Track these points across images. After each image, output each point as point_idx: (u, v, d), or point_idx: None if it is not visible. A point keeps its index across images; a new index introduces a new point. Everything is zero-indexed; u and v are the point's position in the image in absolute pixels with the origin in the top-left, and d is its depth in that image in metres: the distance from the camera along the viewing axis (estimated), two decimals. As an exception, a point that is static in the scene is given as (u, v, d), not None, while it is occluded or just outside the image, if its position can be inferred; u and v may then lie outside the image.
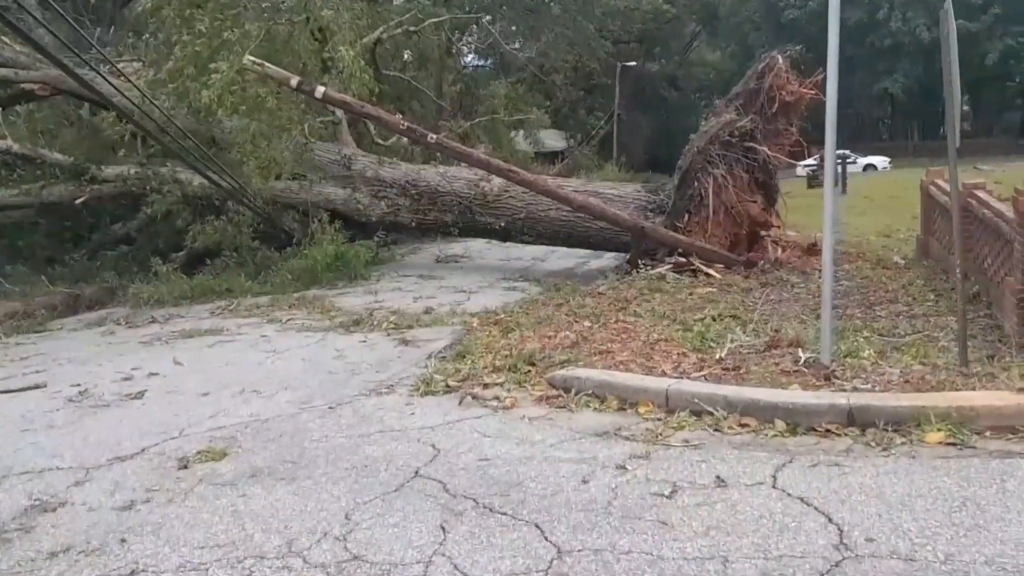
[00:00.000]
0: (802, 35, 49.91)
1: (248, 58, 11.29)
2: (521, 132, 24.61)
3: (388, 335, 8.55)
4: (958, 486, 4.03)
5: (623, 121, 43.93)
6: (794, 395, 5.16)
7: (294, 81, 11.07)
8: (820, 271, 11.11)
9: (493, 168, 11.25)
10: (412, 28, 18.05)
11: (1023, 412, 4.57)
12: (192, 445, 5.48)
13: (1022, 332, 6.91)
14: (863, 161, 47.14)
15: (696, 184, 11.51)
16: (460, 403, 6.02)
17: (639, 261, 11.44)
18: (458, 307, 10.07)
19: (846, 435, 4.81)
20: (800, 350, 6.15)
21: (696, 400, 5.33)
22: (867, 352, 6.10)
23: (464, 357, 7.18)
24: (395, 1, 21.59)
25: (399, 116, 11.72)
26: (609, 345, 7.03)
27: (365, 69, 12.51)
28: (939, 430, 4.60)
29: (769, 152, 11.59)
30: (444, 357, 7.36)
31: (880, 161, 49.64)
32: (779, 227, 12.81)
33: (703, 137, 11.66)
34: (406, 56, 20.97)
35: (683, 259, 10.96)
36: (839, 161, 27.91)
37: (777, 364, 5.90)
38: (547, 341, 7.43)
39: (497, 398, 6.03)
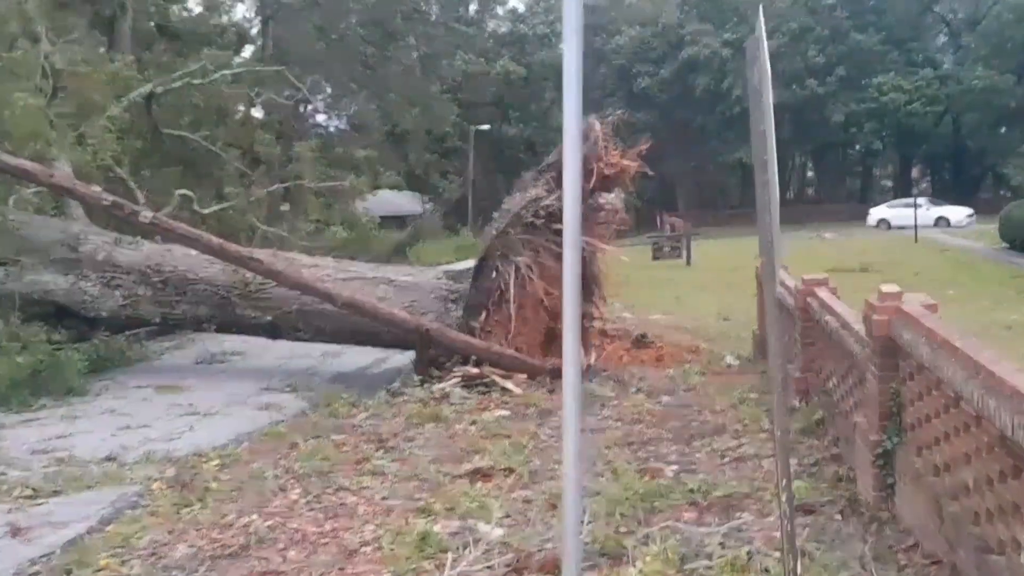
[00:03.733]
0: (654, 104, 49.87)
1: None
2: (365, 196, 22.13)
3: (9, 512, 5.81)
4: None
5: (477, 185, 42.43)
6: None
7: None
8: (640, 383, 9.27)
9: (230, 256, 8.75)
10: (198, 81, 15.40)
11: None
12: None
13: (881, 501, 5.07)
14: (936, 211, 37.68)
15: (495, 275, 9.41)
16: None
17: (429, 369, 9.22)
18: (167, 444, 7.40)
19: None
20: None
21: None
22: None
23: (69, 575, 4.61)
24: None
25: (98, 189, 9.10)
26: (288, 556, 4.62)
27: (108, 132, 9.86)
28: None
29: (586, 237, 9.67)
30: (38, 573, 4.74)
31: (956, 213, 37.62)
32: (600, 317, 10.86)
33: (504, 218, 9.63)
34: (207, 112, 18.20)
35: (475, 370, 8.77)
36: (677, 233, 26.86)
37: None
38: (213, 537, 4.97)
39: None
